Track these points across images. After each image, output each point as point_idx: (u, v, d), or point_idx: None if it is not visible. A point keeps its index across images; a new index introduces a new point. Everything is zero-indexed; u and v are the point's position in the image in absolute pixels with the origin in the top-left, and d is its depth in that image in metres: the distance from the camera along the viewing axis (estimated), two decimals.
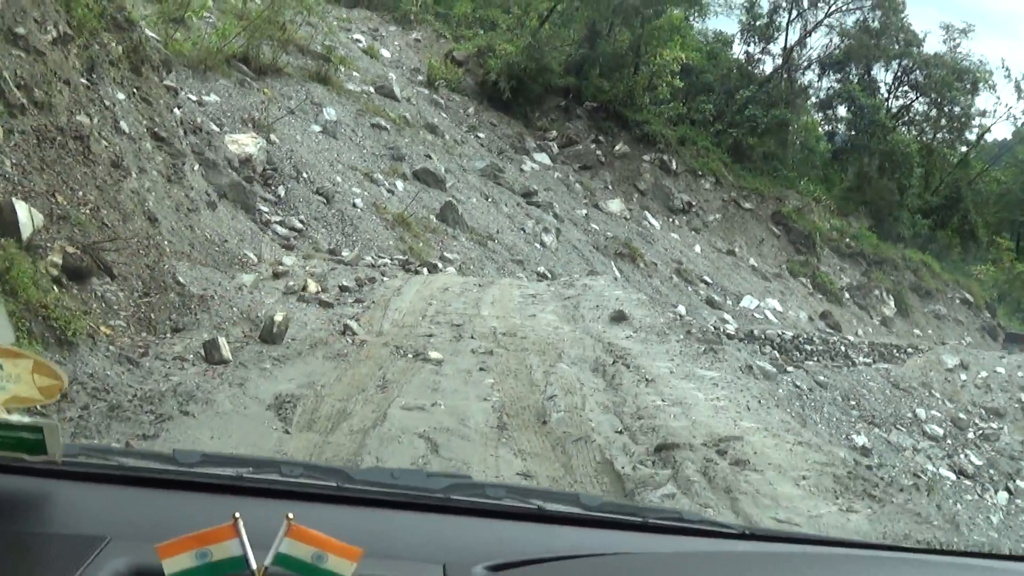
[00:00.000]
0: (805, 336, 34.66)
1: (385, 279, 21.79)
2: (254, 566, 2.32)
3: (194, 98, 27.55)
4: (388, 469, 3.67)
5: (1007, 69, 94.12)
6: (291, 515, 2.35)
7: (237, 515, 2.31)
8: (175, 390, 11.04)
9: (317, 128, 32.38)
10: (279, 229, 24.60)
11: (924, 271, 57.18)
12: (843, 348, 35.73)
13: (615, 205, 44.47)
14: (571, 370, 14.85)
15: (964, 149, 67.03)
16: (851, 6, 61.73)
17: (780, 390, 20.80)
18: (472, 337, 16.77)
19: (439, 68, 46.90)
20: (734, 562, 3.38)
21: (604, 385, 14.43)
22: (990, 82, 63.58)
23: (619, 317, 19.67)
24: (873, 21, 62.42)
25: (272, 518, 2.46)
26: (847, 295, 49.78)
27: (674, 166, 49.56)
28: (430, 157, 36.16)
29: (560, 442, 11.40)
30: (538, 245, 34.59)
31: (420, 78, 46.12)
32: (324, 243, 25.33)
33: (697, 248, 45.06)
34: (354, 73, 40.40)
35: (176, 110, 22.08)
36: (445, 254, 28.54)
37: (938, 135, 65.36)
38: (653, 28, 50.16)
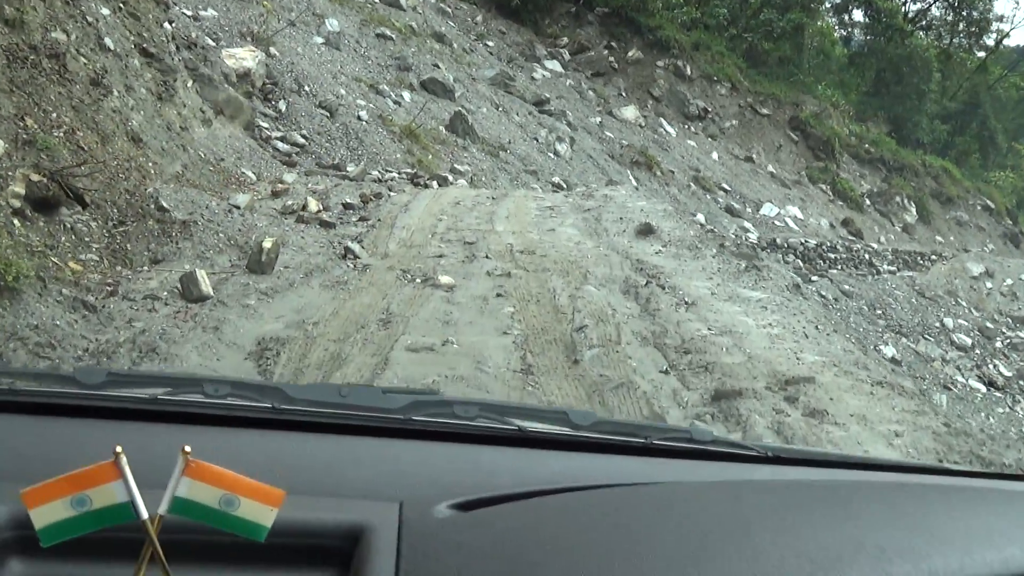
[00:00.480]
0: (828, 244, 33.44)
1: (392, 194, 20.43)
2: (144, 515, 1.81)
3: (189, 13, 26.11)
4: (335, 386, 3.63)
5: None
6: (188, 448, 1.84)
7: (119, 449, 1.79)
8: (134, 341, 9.66)
9: (319, 40, 31.07)
10: (280, 145, 23.45)
11: (944, 177, 55.81)
12: (867, 256, 34.46)
13: (629, 112, 42.90)
14: (599, 293, 13.42)
15: (982, 55, 65.24)
16: None
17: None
18: (487, 257, 15.33)
19: None
20: (757, 491, 2.83)
21: (639, 311, 12.95)
22: None
23: (646, 230, 18.31)
24: None
25: (194, 448, 1.93)
26: (868, 202, 48.55)
27: (689, 72, 47.88)
28: (438, 66, 34.83)
29: (597, 389, 9.87)
30: (552, 155, 33.40)
31: None
32: (328, 158, 24.12)
33: (714, 155, 43.74)
34: None
35: (167, 24, 20.68)
36: (455, 166, 27.34)
37: (955, 40, 63.40)
38: None
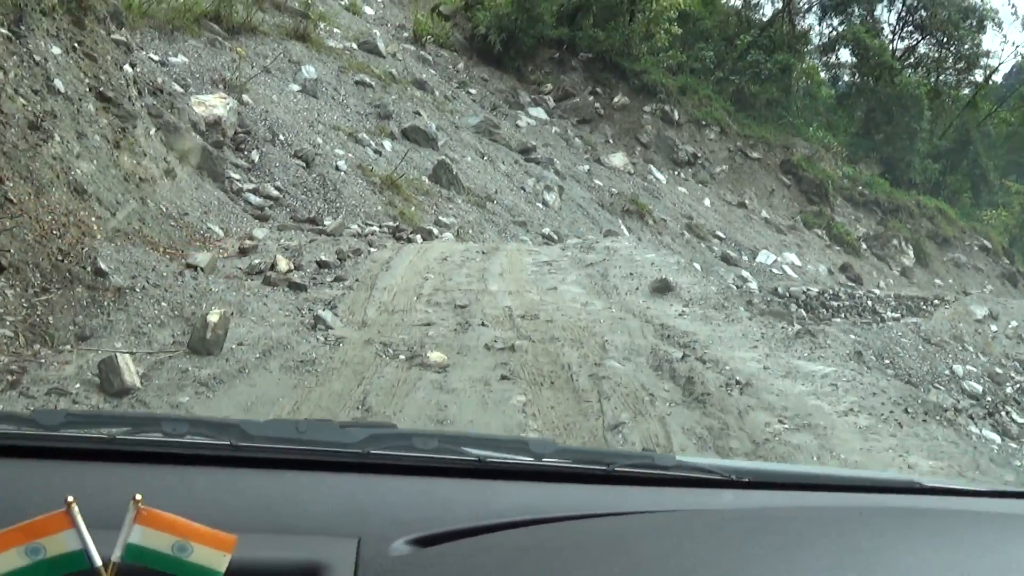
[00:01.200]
0: (831, 292, 31.89)
1: (372, 250, 18.76)
2: (98, 562, 1.84)
3: (156, 57, 24.86)
4: (293, 421, 3.43)
5: (1013, 6, 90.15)
6: (139, 496, 1.88)
7: (70, 499, 1.83)
8: None
9: (295, 87, 29.57)
10: (252, 198, 21.85)
11: (940, 218, 54.14)
12: (870, 303, 32.92)
13: (618, 159, 41.33)
14: (626, 370, 11.39)
15: (971, 91, 63.18)
16: None
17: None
18: (483, 324, 13.35)
19: (425, 23, 43.64)
20: (720, 521, 2.79)
21: (682, 395, 10.80)
22: (996, 20, 60.06)
23: (662, 287, 16.53)
24: None
25: (152, 489, 2.05)
26: (864, 246, 46.80)
27: (676, 116, 46.33)
28: (419, 114, 33.24)
29: None
30: (540, 204, 31.85)
31: (406, 35, 42.82)
32: (303, 212, 22.54)
33: (707, 202, 42.09)
34: (335, 30, 37.21)
35: (128, 68, 19.13)
36: (440, 218, 25.75)
37: (944, 77, 61.74)
38: None
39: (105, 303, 11.22)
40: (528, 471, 2.97)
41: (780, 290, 29.81)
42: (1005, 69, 64.17)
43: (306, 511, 2.54)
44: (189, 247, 16.40)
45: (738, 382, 11.08)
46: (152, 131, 18.97)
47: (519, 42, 44.02)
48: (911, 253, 48.31)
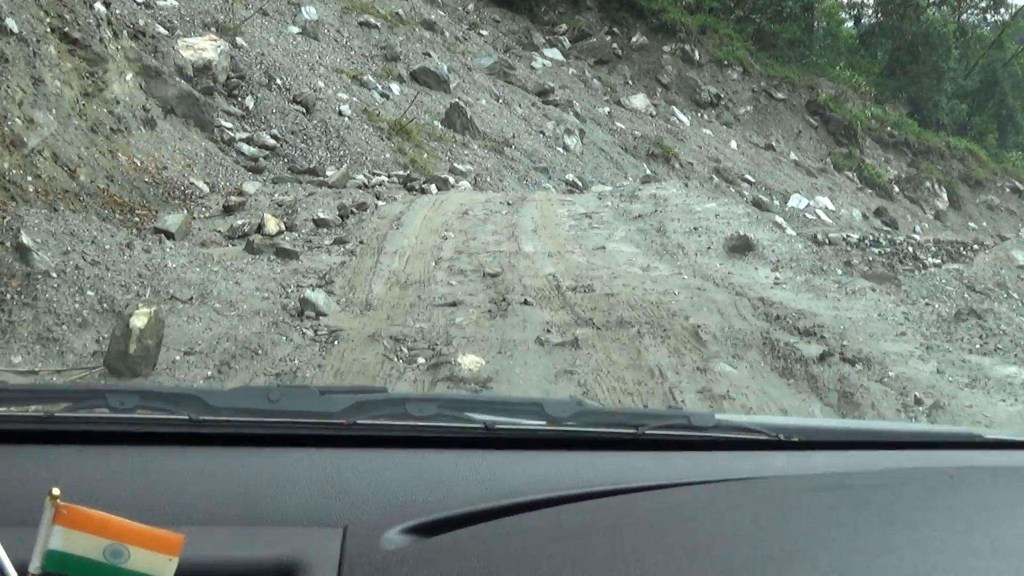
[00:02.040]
0: (871, 238, 29.03)
1: (380, 203, 16.41)
2: (12, 575, 1.55)
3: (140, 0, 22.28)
4: (263, 388, 2.88)
5: None
6: (56, 491, 1.51)
7: None
8: None
9: (295, 29, 27.13)
10: (245, 148, 19.57)
11: (971, 159, 51.37)
12: (911, 249, 30.11)
13: (638, 101, 38.90)
14: (741, 376, 8.58)
15: (997, 30, 60.20)
16: None
17: None
18: (526, 302, 10.49)
19: None
20: (777, 491, 2.42)
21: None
22: None
23: (741, 246, 14.09)
24: None
25: (95, 475, 2.08)
26: (897, 189, 44.25)
27: (697, 57, 43.80)
28: (429, 55, 30.81)
29: None
30: (561, 149, 29.54)
31: None
32: (303, 162, 20.17)
33: (733, 144, 39.60)
34: None
35: (101, 6, 16.81)
36: (455, 165, 23.34)
37: (969, 15, 58.87)
38: None
39: (7, 296, 8.15)
40: (546, 438, 2.61)
41: (819, 237, 27.90)
42: None
43: (280, 497, 2.10)
44: (166, 207, 14.06)
45: (917, 399, 8.22)
46: (128, 76, 16.78)
47: None
48: (945, 196, 45.81)
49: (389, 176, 20.43)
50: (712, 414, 2.79)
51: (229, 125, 19.94)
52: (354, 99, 24.13)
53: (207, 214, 14.22)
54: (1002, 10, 59.24)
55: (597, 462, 2.48)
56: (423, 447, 2.46)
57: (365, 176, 19.85)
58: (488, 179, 23.73)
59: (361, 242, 13.27)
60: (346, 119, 22.58)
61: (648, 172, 30.92)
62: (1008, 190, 52.16)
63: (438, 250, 13.09)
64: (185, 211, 13.82)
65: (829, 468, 2.64)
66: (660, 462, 2.55)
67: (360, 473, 2.28)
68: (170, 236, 12.07)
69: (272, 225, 13.21)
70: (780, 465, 2.62)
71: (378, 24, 30.70)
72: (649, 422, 2.68)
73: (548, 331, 9.40)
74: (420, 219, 15.01)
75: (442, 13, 36.84)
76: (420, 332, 9.18)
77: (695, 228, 15.06)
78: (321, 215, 14.43)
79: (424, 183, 19.94)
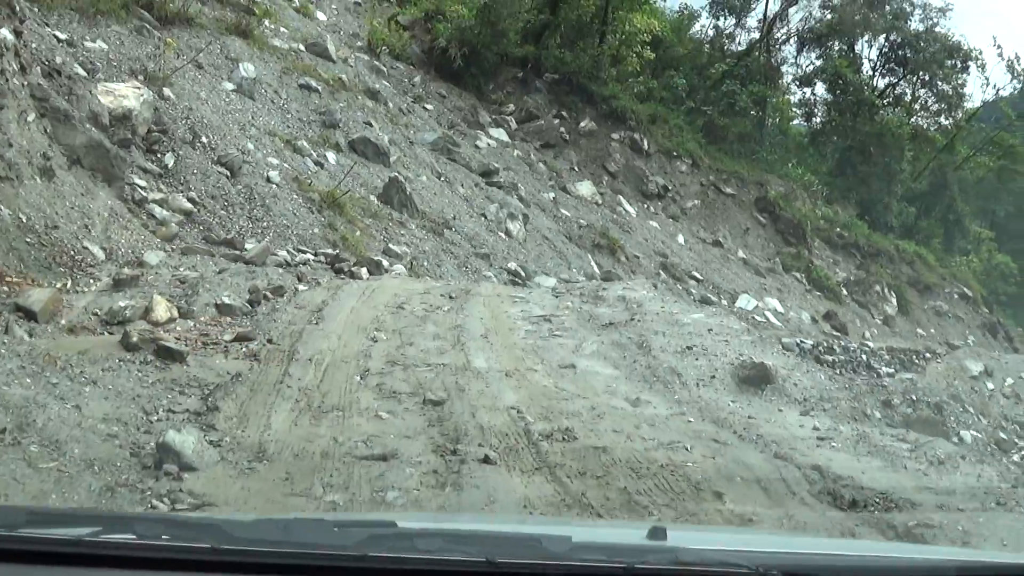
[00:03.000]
0: (825, 345, 27.82)
1: (301, 288, 14.37)
2: None
3: (64, 37, 20.50)
4: (282, 519, 3.36)
5: (999, 47, 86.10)
6: None
7: None
8: None
9: (230, 86, 25.13)
10: (157, 211, 17.46)
11: (919, 264, 50.91)
12: (864, 357, 29.02)
13: (585, 188, 37.36)
14: None
15: (950, 133, 59.24)
16: None
17: None
18: (486, 459, 8.18)
19: (381, 31, 39.07)
20: None
21: None
22: (980, 61, 56.44)
23: (756, 377, 11.95)
24: None
25: None
26: (845, 291, 43.09)
27: (646, 146, 42.48)
28: (370, 124, 28.89)
29: None
30: (503, 235, 27.74)
31: (359, 43, 38.03)
32: (220, 231, 18.11)
33: (680, 239, 38.17)
34: (282, 29, 32.67)
35: (8, 33, 14.83)
36: (391, 246, 21.46)
37: (921, 118, 58.09)
38: None
39: None
40: (543, 572, 2.77)
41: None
42: (984, 114, 60.19)
43: None
44: (46, 275, 11.93)
45: None
46: (31, 117, 14.86)
47: (481, 58, 39.97)
48: (894, 301, 44.97)
49: (316, 255, 18.43)
50: (700, 551, 2.98)
51: (143, 183, 17.88)
52: (285, 165, 22.25)
53: (93, 287, 12.12)
54: (957, 113, 58.29)
55: None
56: None
57: (289, 253, 17.84)
58: (425, 263, 21.95)
59: (270, 340, 11.13)
60: (274, 187, 20.65)
61: (593, 264, 29.55)
62: (956, 296, 51.57)
63: (365, 357, 11.01)
64: (61, 284, 11.72)
65: None
66: None
67: None
68: (32, 316, 9.94)
69: (162, 310, 11.05)
70: None
71: (319, 88, 28.90)
72: (639, 557, 2.86)
73: (526, 513, 7.23)
74: (346, 312, 12.99)
75: (387, 84, 35.06)
76: (333, 509, 6.89)
77: (688, 348, 12.93)
78: (227, 300, 12.30)
79: (354, 265, 17.97)
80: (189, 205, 18.13)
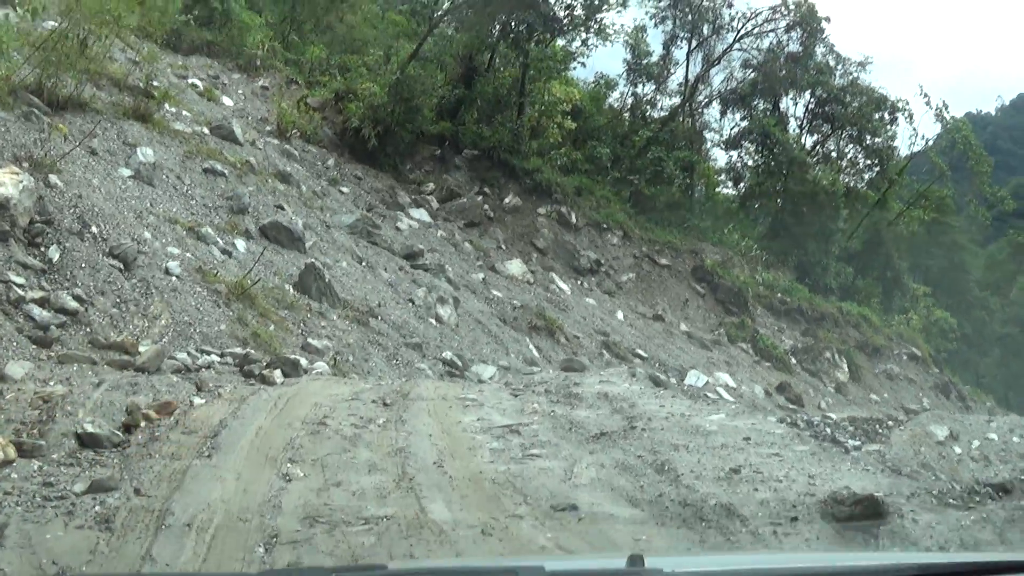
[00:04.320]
0: (789, 421, 25.56)
1: (198, 401, 11.59)
2: None
3: None
4: (285, 571, 3.50)
5: (926, 96, 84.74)
6: None
7: None
8: None
9: (127, 172, 22.79)
10: (36, 312, 14.86)
11: (865, 326, 49.07)
12: (828, 430, 26.88)
13: (515, 267, 35.22)
14: None
15: (881, 188, 57.83)
16: (764, 29, 52.51)
17: None
18: None
19: (290, 114, 36.52)
20: None
21: None
22: (908, 112, 54.85)
23: (865, 514, 9.23)
24: (790, 44, 53.47)
25: None
26: (794, 360, 40.93)
27: (574, 220, 40.70)
28: (283, 208, 26.56)
29: None
30: (433, 321, 25.32)
31: (269, 128, 35.78)
32: (110, 332, 15.37)
33: (619, 315, 35.91)
34: (184, 113, 30.36)
35: None
36: (310, 341, 18.94)
37: (851, 176, 56.57)
38: (540, 60, 41.94)
39: None
40: None
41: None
42: (914, 166, 58.74)
43: None
44: None
45: None
46: None
47: (396, 137, 38.22)
48: (845, 367, 42.92)
49: (222, 355, 15.74)
50: (661, 569, 2.98)
51: (20, 280, 15.36)
52: (188, 255, 19.73)
53: None
54: (888, 167, 56.64)
55: None
56: None
57: (190, 355, 15.16)
58: (351, 358, 19.42)
59: (137, 491, 8.23)
60: (174, 279, 18.09)
61: (532, 348, 27.31)
62: (905, 357, 49.90)
63: (274, 510, 8.10)
64: None
65: None
66: None
67: None
68: None
69: None
70: None
71: (225, 172, 26.46)
72: None
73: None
74: (251, 435, 10.21)
75: (299, 167, 32.70)
76: None
77: (734, 471, 10.09)
78: (90, 428, 9.47)
79: (267, 367, 15.28)
80: (75, 304, 15.49)
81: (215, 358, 15.37)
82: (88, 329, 15.08)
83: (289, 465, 9.33)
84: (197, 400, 11.62)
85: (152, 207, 21.40)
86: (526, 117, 42.04)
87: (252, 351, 16.19)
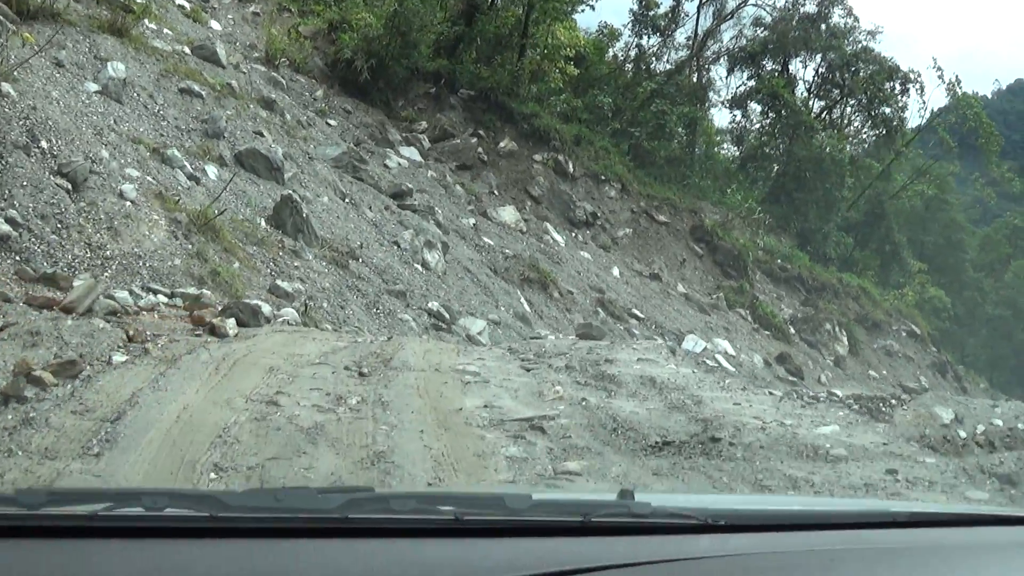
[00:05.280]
0: (795, 395, 23.96)
1: (117, 358, 9.14)
2: None
3: None
4: (271, 490, 3.22)
5: (939, 69, 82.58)
6: None
7: None
8: None
9: (94, 87, 20.25)
10: None
11: (864, 299, 47.27)
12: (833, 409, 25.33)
13: (508, 214, 33.20)
14: None
15: (887, 158, 56.44)
16: None
17: None
18: None
19: (280, 40, 34.23)
20: (704, 570, 2.86)
21: None
22: (919, 83, 53.08)
23: None
24: (806, 3, 51.66)
25: (137, 564, 2.39)
26: (793, 330, 39.05)
27: (571, 169, 38.53)
28: (262, 135, 24.14)
29: None
30: (419, 267, 23.22)
31: (257, 55, 33.12)
32: (45, 262, 13.11)
33: (615, 271, 33.88)
34: (166, 31, 27.67)
35: None
36: (279, 283, 16.61)
37: (856, 143, 54.76)
38: (546, 0, 39.35)
39: None
40: (506, 527, 2.85)
41: None
42: (920, 140, 56.80)
43: None
44: None
45: None
46: None
47: (390, 71, 36.07)
48: (845, 340, 41.14)
49: (172, 295, 13.31)
50: (649, 502, 3.07)
51: None
52: (148, 179, 17.26)
53: None
54: (896, 138, 54.79)
55: (551, 547, 2.73)
56: (405, 536, 2.69)
57: (132, 293, 12.71)
58: (325, 305, 17.19)
59: None
60: (128, 204, 15.58)
61: (523, 301, 25.30)
62: (904, 334, 48.35)
63: None
64: None
65: (747, 549, 2.89)
66: (604, 546, 2.78)
67: (354, 559, 2.57)
68: None
69: None
70: (704, 547, 2.89)
71: (203, 93, 23.99)
72: (594, 510, 2.97)
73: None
74: (167, 422, 7.60)
75: (285, 96, 30.28)
76: None
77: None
78: None
79: (221, 313, 12.80)
80: (7, 227, 13.13)
81: (162, 299, 13.04)
82: (18, 258, 12.78)
83: (212, 477, 6.70)
84: (117, 358, 9.15)
85: (116, 125, 19.04)
86: (527, 60, 40.03)
87: (208, 292, 13.90)
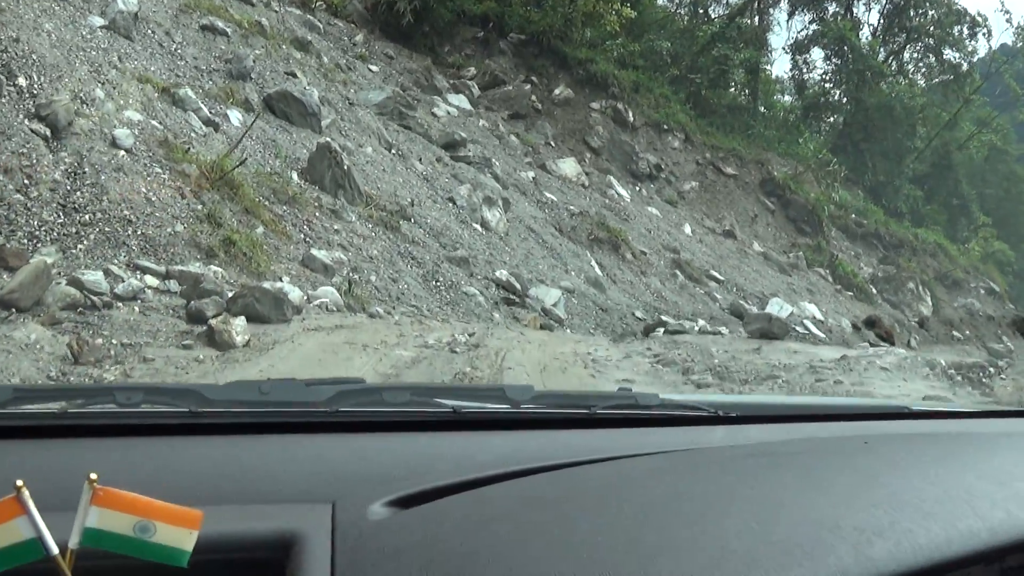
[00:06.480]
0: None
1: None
2: (55, 550, 1.50)
3: None
4: (255, 382, 2.72)
5: (1007, 12, 79.63)
6: (94, 476, 1.55)
7: (20, 483, 1.51)
8: None
9: (99, 21, 17.25)
10: None
11: (942, 255, 44.42)
12: None
13: (568, 167, 29.98)
14: None
15: (955, 107, 52.63)
16: None
17: None
18: None
19: None
20: (711, 460, 2.43)
21: None
22: (987, 28, 49.86)
23: None
24: None
25: (109, 464, 1.99)
26: (875, 290, 36.06)
27: (631, 118, 35.47)
28: (294, 76, 20.78)
29: None
30: (479, 227, 20.03)
31: None
32: (4, 228, 9.91)
33: (687, 229, 30.55)
34: None
35: None
36: (314, 252, 13.22)
37: (927, 90, 51.44)
38: None
39: None
40: (507, 419, 2.64)
41: None
42: (986, 88, 53.30)
43: (275, 477, 2.16)
44: None
45: None
46: None
47: (434, 15, 33.55)
48: (929, 300, 38.24)
49: (166, 277, 9.74)
50: (656, 395, 2.90)
51: None
52: (152, 123, 13.85)
53: None
54: (964, 84, 51.00)
55: (554, 439, 2.54)
56: (400, 430, 2.47)
57: (110, 274, 9.12)
58: (373, 279, 13.77)
59: None
60: (121, 154, 12.14)
61: (594, 265, 22.05)
62: (983, 291, 45.30)
63: None
64: None
65: (761, 439, 2.67)
66: (610, 438, 2.59)
67: (344, 454, 2.31)
68: None
69: None
70: (718, 437, 2.71)
71: (228, 31, 20.73)
72: (599, 402, 2.76)
73: None
74: None
75: (321, 39, 27.04)
76: None
77: None
78: None
79: (228, 307, 9.07)
80: None
81: (151, 281, 9.45)
82: None
83: None
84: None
85: (120, 63, 15.69)
86: (580, 1, 36.11)
87: (217, 269, 10.36)
